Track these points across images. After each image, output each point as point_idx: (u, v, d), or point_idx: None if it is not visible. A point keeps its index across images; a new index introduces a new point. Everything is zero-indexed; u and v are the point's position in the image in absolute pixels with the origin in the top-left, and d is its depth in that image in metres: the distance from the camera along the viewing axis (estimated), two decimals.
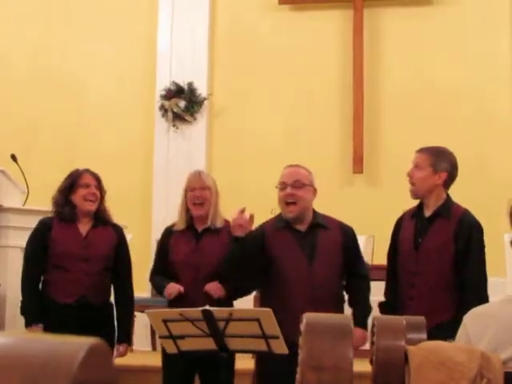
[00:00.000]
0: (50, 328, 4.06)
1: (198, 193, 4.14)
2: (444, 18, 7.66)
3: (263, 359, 3.75)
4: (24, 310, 4.17)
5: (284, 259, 3.85)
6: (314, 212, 3.97)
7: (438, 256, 3.80)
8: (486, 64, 7.55)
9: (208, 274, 4.03)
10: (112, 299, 4.31)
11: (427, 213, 3.93)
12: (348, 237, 3.97)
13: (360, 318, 3.80)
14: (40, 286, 4.22)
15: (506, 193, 1.91)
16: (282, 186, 3.89)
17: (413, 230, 3.93)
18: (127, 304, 4.26)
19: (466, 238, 3.79)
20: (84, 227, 4.22)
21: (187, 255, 4.10)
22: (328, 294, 3.82)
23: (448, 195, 3.96)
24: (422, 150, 4.03)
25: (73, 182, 4.23)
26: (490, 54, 7.56)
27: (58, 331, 3.85)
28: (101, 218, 4.25)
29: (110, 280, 4.24)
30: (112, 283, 4.27)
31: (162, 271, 4.20)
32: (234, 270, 3.87)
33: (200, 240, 4.15)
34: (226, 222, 4.15)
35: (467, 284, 3.74)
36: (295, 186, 3.86)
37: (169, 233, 4.28)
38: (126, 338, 4.27)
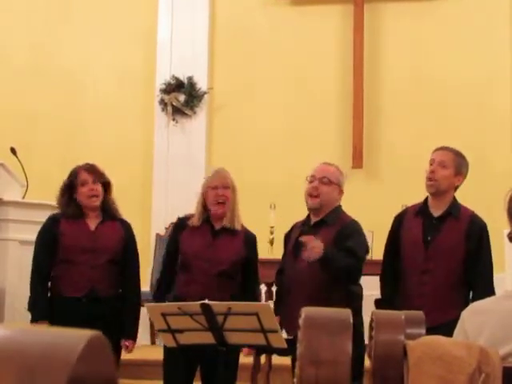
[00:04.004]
0: (59, 323, 3.97)
1: (221, 192, 4.08)
2: (444, 13, 7.65)
3: None
4: (31, 306, 4.11)
5: (285, 256, 4.17)
6: (335, 210, 4.06)
7: (450, 255, 3.90)
8: (487, 60, 7.55)
9: (221, 270, 4.02)
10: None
11: (435, 212, 4.00)
12: (343, 231, 4.00)
13: (329, 250, 3.79)
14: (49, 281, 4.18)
15: (505, 188, 1.91)
16: (311, 178, 4.09)
17: (421, 228, 3.99)
18: (135, 300, 4.21)
19: (477, 239, 3.92)
20: (92, 222, 4.20)
21: (202, 249, 4.06)
22: (314, 290, 3.86)
23: (454, 197, 4.06)
24: (446, 149, 4.09)
25: (71, 181, 4.21)
26: (490, 50, 7.55)
27: (67, 326, 3.79)
28: (108, 212, 4.23)
29: (118, 274, 4.19)
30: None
31: (174, 263, 4.15)
32: None
33: (217, 237, 4.11)
34: (243, 227, 4.18)
35: (479, 282, 3.86)
36: (322, 182, 4.05)
37: (183, 225, 4.20)
38: (134, 334, 4.23)
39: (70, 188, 4.20)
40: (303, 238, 3.79)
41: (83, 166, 4.26)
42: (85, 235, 4.14)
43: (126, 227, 4.30)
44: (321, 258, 3.71)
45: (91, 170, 4.23)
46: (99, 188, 4.19)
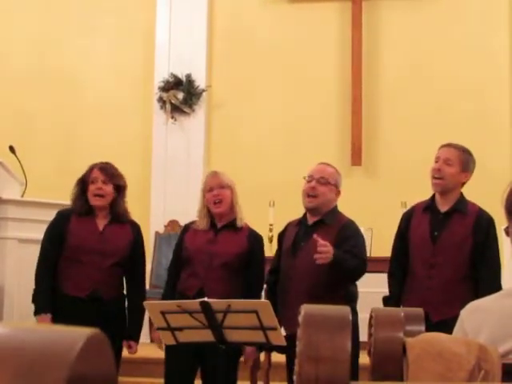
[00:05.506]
0: (59, 320, 3.99)
1: (216, 191, 4.14)
2: (443, 10, 7.65)
3: None
4: (35, 298, 4.11)
5: (280, 255, 4.17)
6: (332, 210, 4.07)
7: (457, 249, 3.92)
8: (485, 56, 7.55)
9: (222, 262, 4.06)
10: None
11: (443, 208, 4.02)
12: (343, 232, 4.01)
13: (337, 253, 3.78)
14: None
15: (502, 186, 1.92)
16: (309, 178, 4.09)
17: (428, 223, 4.01)
18: (139, 302, 4.21)
19: (484, 233, 3.93)
20: (101, 222, 4.19)
21: (204, 244, 4.12)
22: (313, 288, 3.87)
23: (461, 193, 4.08)
24: (451, 146, 4.10)
25: (84, 177, 4.21)
26: (488, 47, 7.55)
27: (67, 323, 3.78)
28: (117, 214, 4.21)
29: (121, 276, 4.21)
30: (125, 280, 4.26)
31: (178, 264, 4.21)
32: None
33: (218, 233, 4.17)
34: (248, 226, 4.22)
35: (486, 277, 3.86)
36: (320, 182, 4.05)
37: (187, 228, 4.31)
38: (137, 335, 4.25)
39: (83, 183, 4.21)
40: (318, 240, 3.74)
41: (99, 163, 4.26)
42: (93, 236, 4.14)
43: (136, 230, 4.31)
44: (330, 262, 3.73)
45: (104, 169, 4.21)
46: (108, 189, 4.17)
